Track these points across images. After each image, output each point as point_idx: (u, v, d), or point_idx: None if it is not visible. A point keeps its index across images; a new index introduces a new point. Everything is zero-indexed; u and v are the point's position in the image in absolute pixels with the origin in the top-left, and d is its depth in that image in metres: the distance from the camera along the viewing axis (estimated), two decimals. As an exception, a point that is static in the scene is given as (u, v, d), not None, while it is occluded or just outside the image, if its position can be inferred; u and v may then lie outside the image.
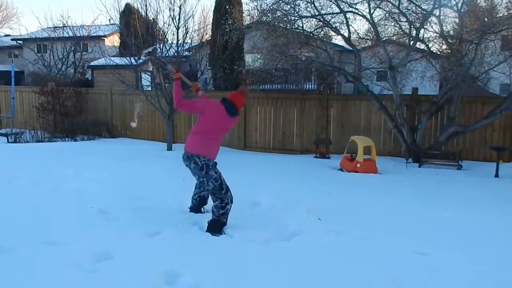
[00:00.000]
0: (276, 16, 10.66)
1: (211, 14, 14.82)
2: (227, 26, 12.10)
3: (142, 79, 14.48)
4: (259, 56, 12.49)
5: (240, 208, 4.96)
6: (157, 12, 11.34)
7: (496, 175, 8.69)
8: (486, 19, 10.88)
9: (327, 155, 10.98)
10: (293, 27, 10.82)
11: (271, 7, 10.62)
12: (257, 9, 11.04)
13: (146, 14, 11.34)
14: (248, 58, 13.65)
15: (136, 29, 11.01)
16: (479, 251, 4.20)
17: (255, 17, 11.55)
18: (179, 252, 3.88)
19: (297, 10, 10.74)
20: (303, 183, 7.58)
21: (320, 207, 5.23)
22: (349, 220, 5.09)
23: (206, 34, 11.98)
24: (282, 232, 4.56)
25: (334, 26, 11.12)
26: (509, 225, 5.14)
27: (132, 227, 4.51)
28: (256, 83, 12.23)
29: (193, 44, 12.30)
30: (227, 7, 13.58)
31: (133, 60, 11.68)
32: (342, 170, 9.34)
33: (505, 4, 10.56)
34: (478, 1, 13.01)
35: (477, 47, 9.67)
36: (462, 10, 10.24)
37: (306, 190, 6.76)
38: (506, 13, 10.63)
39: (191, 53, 12.74)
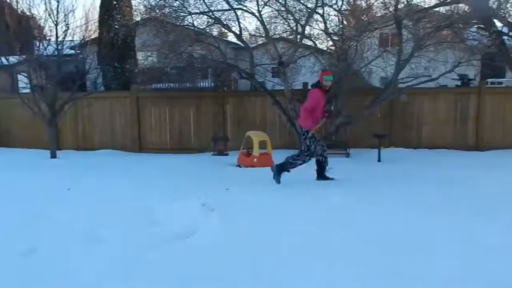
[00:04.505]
0: (165, 12, 10.46)
1: (97, 9, 14.08)
2: (114, 22, 11.59)
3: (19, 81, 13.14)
4: (149, 54, 12.17)
5: (132, 212, 4.77)
6: (29, 5, 10.39)
7: (379, 160, 9.47)
8: (365, 18, 11.75)
9: (225, 152, 11.05)
10: (183, 23, 10.71)
11: (159, 3, 10.40)
12: (144, 5, 10.75)
13: (17, 7, 10.34)
14: (140, 56, 13.22)
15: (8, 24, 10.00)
16: (366, 231, 4.47)
17: (142, 12, 11.24)
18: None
19: (186, 6, 10.64)
20: (201, 181, 7.56)
21: (218, 203, 5.22)
22: (246, 215, 5.13)
23: (91, 30, 11.34)
24: (174, 233, 4.44)
25: (225, 23, 11.21)
26: (387, 205, 5.57)
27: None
28: (148, 82, 11.89)
29: (79, 42, 11.60)
30: (114, 2, 12.98)
31: (4, 60, 10.60)
32: (240, 166, 9.45)
33: (380, 5, 11.49)
34: (358, 1, 13.99)
35: (357, 44, 10.42)
36: (342, 9, 10.93)
37: (204, 188, 6.70)
38: (381, 13, 11.58)
39: (76, 51, 11.99)
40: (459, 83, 16.75)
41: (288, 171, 7.17)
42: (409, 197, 6.05)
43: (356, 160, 9.82)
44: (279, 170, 7.15)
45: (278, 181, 7.09)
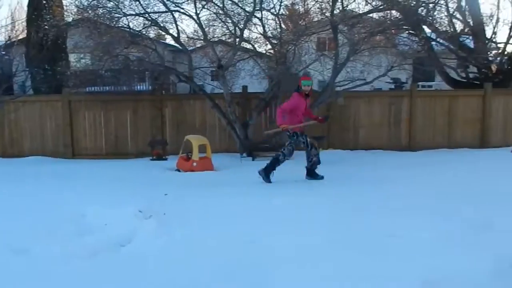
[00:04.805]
0: (98, 13, 10.06)
1: (25, 9, 13.28)
2: (44, 23, 10.98)
3: None
4: (82, 56, 11.65)
5: (61, 221, 4.49)
6: None
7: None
8: (302, 23, 11.94)
9: (163, 157, 10.79)
10: (118, 25, 10.36)
11: (91, 3, 9.99)
12: (76, 5, 10.29)
13: None
14: (72, 58, 12.62)
15: None
16: (305, 234, 4.47)
17: (74, 13, 10.75)
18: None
19: (121, 7, 10.30)
20: (138, 187, 7.32)
21: (155, 210, 5.05)
22: (186, 221, 5.00)
23: (18, 31, 10.70)
24: (108, 241, 4.23)
25: (162, 25, 10.98)
26: (331, 204, 5.64)
27: None
28: (82, 85, 11.37)
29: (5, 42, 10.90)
30: (44, 1, 12.29)
31: None
32: (179, 171, 9.27)
33: (317, 10, 11.72)
34: (296, 6, 14.20)
35: (295, 48, 10.56)
36: (280, 14, 11.04)
37: (141, 194, 6.49)
38: (318, 18, 11.83)
39: (1, 52, 11.25)
40: (392, 86, 17.49)
41: (276, 167, 7.48)
42: (352, 197, 6.17)
43: (296, 162, 9.83)
44: (267, 173, 7.45)
45: (269, 181, 7.43)
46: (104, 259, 3.83)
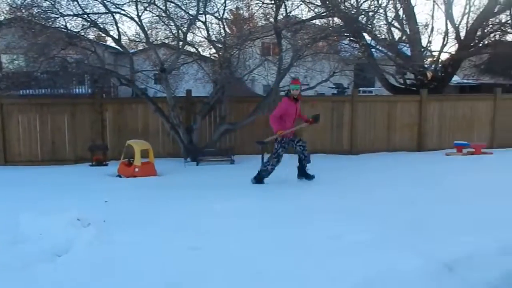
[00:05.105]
0: (33, 12, 9.58)
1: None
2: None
3: None
4: (15, 57, 11.03)
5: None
6: None
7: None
8: (247, 27, 11.99)
9: (104, 162, 10.42)
10: (54, 25, 9.91)
11: (25, 2, 9.49)
12: (9, 3, 9.74)
13: None
14: (4, 59, 11.90)
15: None
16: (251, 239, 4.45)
17: (6, 12, 10.18)
18: None
19: (58, 7, 9.87)
20: (76, 194, 7.03)
21: (95, 217, 4.85)
22: (127, 228, 4.83)
23: None
24: (44, 251, 4.02)
25: (102, 26, 10.63)
26: (274, 208, 5.66)
27: None
28: (15, 87, 10.75)
29: None
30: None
31: None
32: (120, 176, 9.00)
33: (261, 15, 11.82)
34: (240, 10, 14.24)
35: (240, 52, 10.57)
36: (224, 18, 11.02)
37: (79, 201, 6.23)
38: (262, 23, 11.93)
39: None
40: (335, 91, 17.94)
41: (267, 176, 7.63)
42: (294, 199, 6.24)
43: (240, 166, 9.90)
44: (258, 181, 7.60)
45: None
46: (38, 270, 3.62)
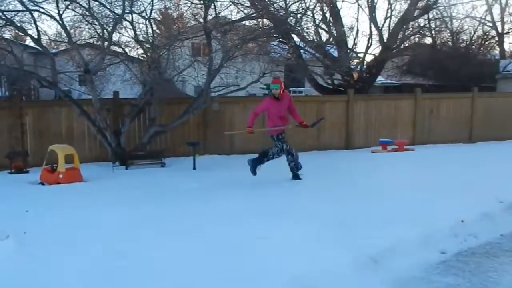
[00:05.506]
0: None
1: None
2: None
3: None
4: None
5: None
6: None
7: (194, 168, 9.52)
8: (176, 27, 11.79)
9: (24, 169, 9.77)
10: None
11: None
12: None
13: None
14: None
15: None
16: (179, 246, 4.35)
17: None
18: None
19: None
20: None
21: (14, 229, 4.55)
22: (49, 240, 4.55)
23: None
24: None
25: (19, 25, 9.97)
26: (192, 215, 5.58)
27: None
28: None
29: None
30: None
31: None
32: (43, 184, 8.48)
33: (190, 15, 11.67)
34: (169, 10, 13.98)
35: (169, 53, 10.36)
36: (152, 18, 10.76)
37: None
38: (192, 23, 11.78)
39: None
40: (266, 92, 18.13)
41: (297, 168, 7.78)
42: (225, 202, 6.20)
43: (172, 169, 9.72)
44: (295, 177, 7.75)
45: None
46: None
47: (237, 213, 5.55)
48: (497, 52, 22.51)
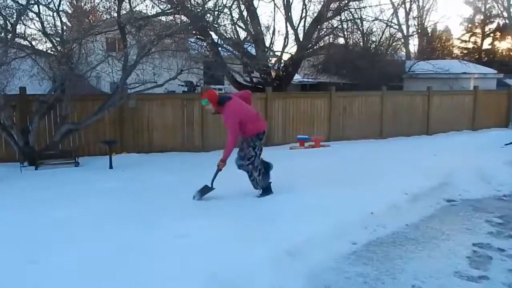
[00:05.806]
0: None
1: None
2: None
3: None
4: None
5: None
6: None
7: (111, 167, 9.18)
8: (88, 21, 11.25)
9: None
10: None
11: None
12: None
13: None
14: None
15: None
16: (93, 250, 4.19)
17: None
18: None
19: None
20: None
21: None
22: None
23: None
24: None
25: None
26: (114, 215, 5.41)
27: None
28: None
29: None
30: None
31: None
32: None
33: (103, 9, 11.20)
34: (80, 3, 13.33)
35: (81, 47, 9.87)
36: (61, 10, 10.18)
37: None
38: (105, 17, 11.33)
39: None
40: (185, 89, 17.98)
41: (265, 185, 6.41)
42: (140, 201, 6.06)
43: (86, 168, 9.29)
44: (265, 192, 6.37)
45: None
46: None
47: (153, 212, 5.46)
48: (403, 53, 24.22)
